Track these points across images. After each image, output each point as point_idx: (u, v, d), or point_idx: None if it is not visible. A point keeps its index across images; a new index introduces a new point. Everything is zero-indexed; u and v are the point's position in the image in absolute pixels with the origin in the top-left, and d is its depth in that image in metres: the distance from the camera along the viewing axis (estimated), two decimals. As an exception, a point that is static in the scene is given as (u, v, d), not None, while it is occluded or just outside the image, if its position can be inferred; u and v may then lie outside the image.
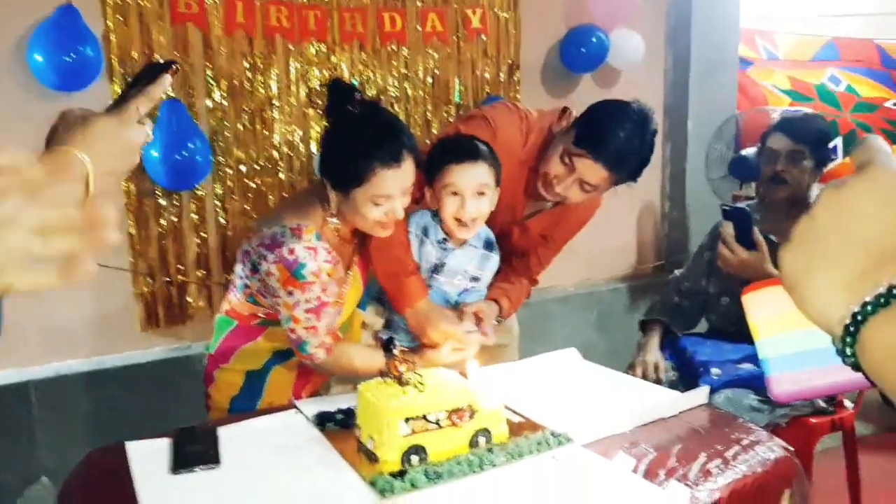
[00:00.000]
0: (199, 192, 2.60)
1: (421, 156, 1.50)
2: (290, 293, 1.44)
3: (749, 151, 3.04)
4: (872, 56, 4.14)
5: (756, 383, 1.93)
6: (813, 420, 2.04)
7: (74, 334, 2.48)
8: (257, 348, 1.58)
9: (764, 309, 0.69)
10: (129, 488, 1.10)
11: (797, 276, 0.43)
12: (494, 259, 1.72)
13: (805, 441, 2.00)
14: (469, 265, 1.68)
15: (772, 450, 1.20)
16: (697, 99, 3.44)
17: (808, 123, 2.12)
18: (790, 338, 0.63)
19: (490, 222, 1.70)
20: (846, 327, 0.40)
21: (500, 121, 1.68)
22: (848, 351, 0.40)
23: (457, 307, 1.68)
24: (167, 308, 2.63)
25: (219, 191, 2.64)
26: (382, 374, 1.26)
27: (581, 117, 1.62)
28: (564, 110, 1.67)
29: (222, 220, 2.66)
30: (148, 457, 1.21)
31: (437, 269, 1.67)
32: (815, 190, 2.11)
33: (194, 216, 2.61)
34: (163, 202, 2.55)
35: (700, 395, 1.43)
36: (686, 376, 2.02)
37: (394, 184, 1.42)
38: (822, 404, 2.05)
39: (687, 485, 1.08)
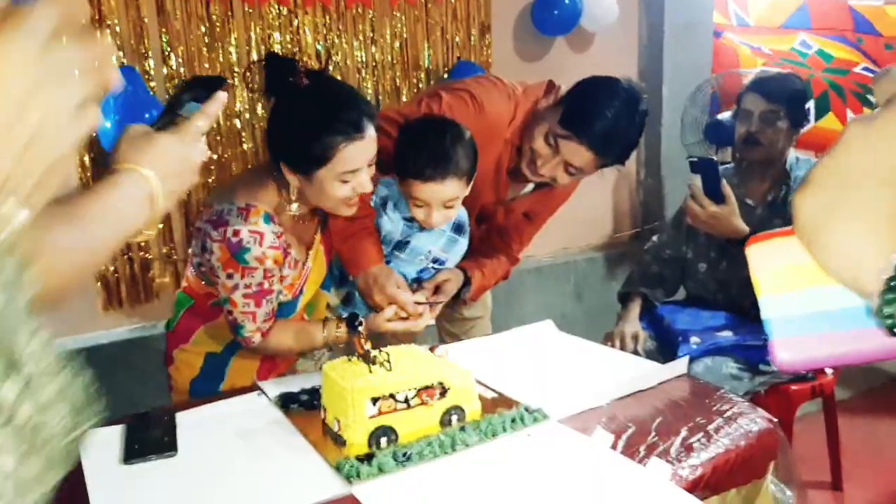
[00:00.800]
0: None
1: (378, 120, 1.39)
2: (230, 276, 1.35)
3: (724, 116, 3.00)
4: (845, 21, 4.09)
5: (735, 351, 1.90)
6: (793, 387, 2.02)
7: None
8: (216, 331, 1.50)
9: (770, 262, 0.62)
10: (79, 480, 1.03)
11: (818, 225, 0.37)
12: (462, 244, 1.62)
13: (785, 409, 1.98)
14: (434, 246, 1.58)
15: (755, 422, 1.16)
16: (672, 63, 3.38)
17: (783, 83, 2.07)
18: (800, 297, 0.56)
19: (471, 204, 1.61)
20: (888, 281, 0.33)
21: (486, 98, 1.57)
22: (887, 310, 0.34)
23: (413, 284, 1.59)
24: (130, 286, 2.53)
25: (179, 164, 2.52)
26: (347, 353, 1.19)
27: (567, 95, 1.52)
28: (551, 85, 1.59)
29: (184, 196, 2.55)
30: (99, 446, 1.13)
31: (399, 245, 1.58)
32: (792, 152, 2.07)
33: (155, 190, 2.50)
34: (120, 176, 2.44)
35: (680, 365, 1.39)
36: (664, 345, 1.99)
37: (360, 157, 1.32)
38: (802, 371, 2.03)
39: (668, 461, 1.03)
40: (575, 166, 1.51)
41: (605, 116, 1.44)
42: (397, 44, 2.85)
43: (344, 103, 1.32)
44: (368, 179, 1.36)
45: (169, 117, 0.86)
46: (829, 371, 2.11)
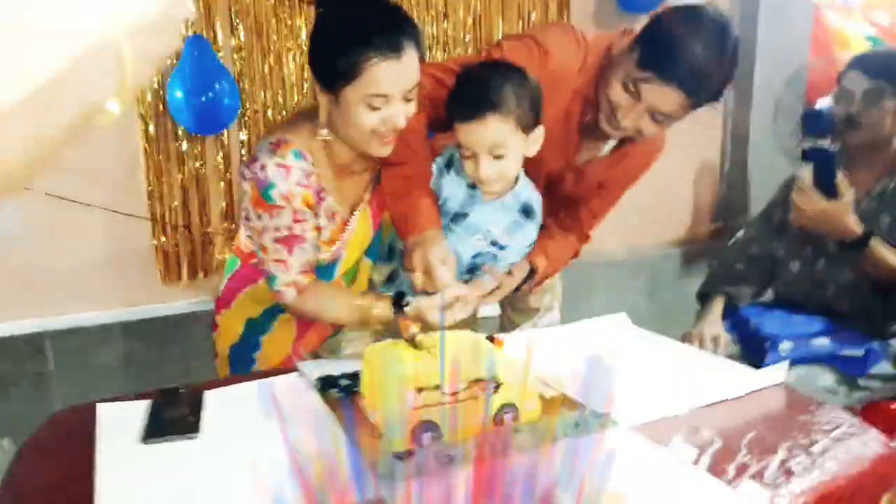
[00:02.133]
0: (223, 138, 2.45)
1: (423, 48, 1.26)
2: (259, 216, 1.26)
3: (824, 103, 2.73)
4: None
5: (833, 361, 1.69)
6: (894, 406, 1.78)
7: (93, 286, 2.38)
8: (256, 293, 1.41)
9: None
10: (89, 456, 0.95)
11: None
12: (529, 230, 1.44)
13: (884, 428, 1.75)
14: (495, 226, 1.40)
15: (867, 444, 0.97)
16: (766, 42, 3.10)
17: (889, 58, 1.82)
18: None
19: (536, 169, 1.44)
20: None
21: (552, 42, 1.39)
22: None
23: (471, 272, 1.43)
24: (190, 260, 2.50)
25: (243, 137, 2.47)
26: (392, 335, 1.07)
27: (643, 32, 1.32)
28: (625, 31, 1.40)
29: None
30: (120, 421, 1.04)
31: (455, 218, 1.41)
32: None
33: (219, 163, 2.46)
34: (185, 147, 2.40)
35: (777, 372, 1.20)
36: (749, 351, 1.78)
37: (392, 80, 1.19)
38: (907, 386, 1.79)
39: (764, 486, 0.86)
40: (662, 112, 1.31)
41: (690, 49, 1.22)
42: (470, 19, 2.73)
43: (383, 17, 1.20)
44: (402, 114, 1.23)
45: None
46: (938, 390, 1.85)
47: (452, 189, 1.41)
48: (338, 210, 1.35)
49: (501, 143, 1.29)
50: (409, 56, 1.20)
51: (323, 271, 1.38)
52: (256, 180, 1.24)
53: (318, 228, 1.32)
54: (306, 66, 2.48)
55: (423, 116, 1.39)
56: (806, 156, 1.68)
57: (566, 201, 1.60)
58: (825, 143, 2.62)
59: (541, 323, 1.73)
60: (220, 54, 2.36)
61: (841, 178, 1.64)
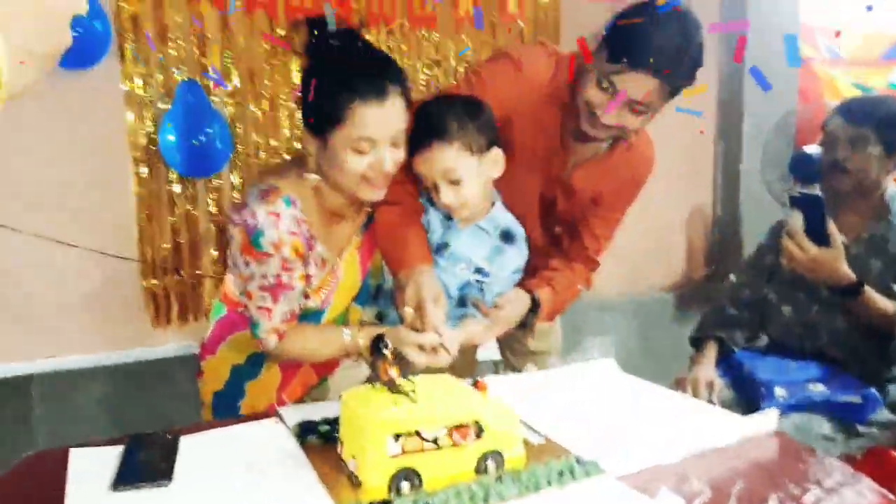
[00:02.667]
0: (216, 182, 2.45)
1: (409, 93, 1.27)
2: (247, 263, 1.24)
3: (812, 148, 2.75)
4: (949, 56, 3.76)
5: (830, 408, 1.65)
6: (895, 452, 1.74)
7: (82, 328, 2.36)
8: (242, 340, 1.39)
9: None
10: (59, 503, 0.91)
11: None
12: (510, 255, 1.43)
13: (885, 477, 1.70)
14: (476, 253, 1.41)
15: (863, 494, 0.94)
16: (754, 94, 3.15)
17: (874, 105, 1.83)
18: None
19: (528, 189, 1.46)
20: None
21: (523, 54, 1.44)
22: None
23: (462, 304, 1.42)
24: (181, 303, 2.48)
25: (236, 180, 2.48)
26: (369, 379, 1.04)
27: (607, 31, 1.34)
28: (595, 37, 1.41)
29: (239, 212, 2.49)
30: (91, 467, 1.01)
31: (438, 249, 1.42)
32: (892, 185, 1.82)
33: (211, 206, 2.46)
34: (177, 190, 2.41)
35: (768, 419, 1.17)
36: (743, 397, 1.75)
37: (377, 125, 1.20)
38: (907, 433, 1.76)
39: (754, 538, 0.83)
40: (640, 102, 1.32)
41: (654, 34, 1.26)
42: (462, 67, 2.77)
43: (369, 63, 1.22)
44: (392, 160, 1.24)
45: None
46: (938, 437, 1.81)
47: (432, 219, 1.43)
48: (327, 257, 1.34)
49: (452, 168, 1.32)
50: (395, 101, 1.21)
51: (311, 318, 1.37)
52: (246, 227, 1.22)
53: (307, 277, 1.31)
54: (299, 112, 2.51)
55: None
56: (795, 202, 1.67)
57: (568, 229, 1.59)
58: (814, 189, 2.64)
59: (532, 368, 1.69)
60: (215, 99, 2.39)
61: (831, 226, 1.63)
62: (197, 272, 2.48)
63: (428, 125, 1.32)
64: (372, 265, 1.46)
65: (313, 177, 1.30)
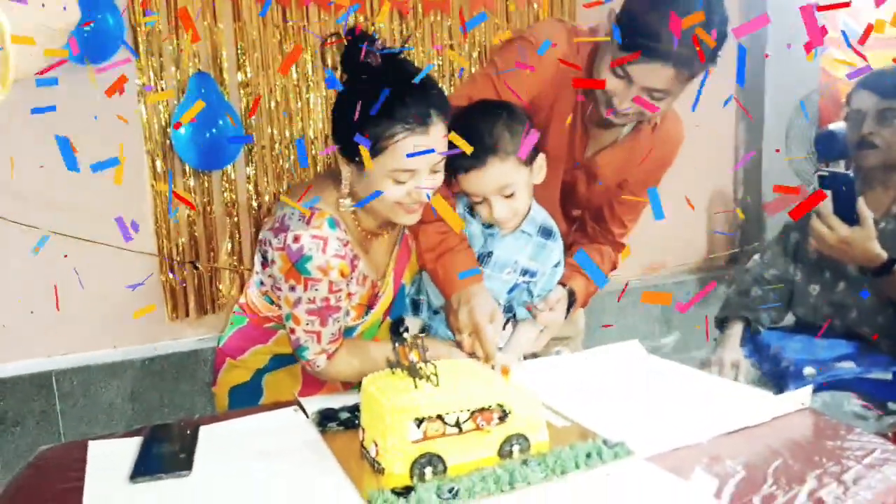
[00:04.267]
0: (230, 174, 2.45)
1: (450, 117, 1.21)
2: (293, 288, 1.19)
3: (838, 125, 2.68)
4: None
5: (860, 385, 1.61)
6: (930, 431, 1.70)
7: (100, 324, 2.37)
8: (264, 352, 1.37)
9: None
10: (77, 496, 0.90)
11: None
12: (553, 249, 1.39)
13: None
14: (520, 255, 1.37)
15: (905, 471, 0.90)
16: (775, 74, 3.09)
17: None
18: None
19: (550, 173, 1.40)
20: None
21: (542, 35, 1.35)
22: None
23: (509, 311, 1.40)
24: (197, 297, 2.48)
25: (251, 172, 2.47)
26: (391, 364, 1.01)
27: (621, 14, 1.27)
28: (609, 15, 1.33)
29: (255, 204, 2.49)
30: (109, 459, 0.99)
31: (482, 258, 1.38)
32: None
33: (226, 199, 2.46)
34: (192, 183, 2.40)
35: (801, 395, 1.13)
36: (771, 377, 1.71)
37: (419, 156, 1.15)
38: (943, 412, 1.71)
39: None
40: (658, 89, 1.26)
41: (669, 20, 1.13)
42: (476, 52, 2.74)
43: (413, 90, 1.15)
44: (428, 185, 1.19)
45: None
46: (976, 416, 1.76)
47: (473, 231, 1.38)
48: (368, 274, 1.30)
49: (508, 183, 1.28)
50: (437, 128, 1.16)
51: (344, 333, 1.34)
52: (289, 252, 1.17)
53: (350, 295, 1.28)
54: (312, 101, 2.49)
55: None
56: (823, 182, 1.61)
57: (588, 210, 1.56)
58: (841, 167, 2.57)
59: (565, 352, 1.66)
60: (226, 90, 2.38)
61: (861, 204, 1.58)
62: (213, 265, 2.48)
63: (478, 141, 1.24)
64: (405, 279, 1.42)
65: (347, 202, 1.25)
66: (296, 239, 1.17)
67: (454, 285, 1.32)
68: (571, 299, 1.45)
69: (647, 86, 1.26)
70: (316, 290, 1.19)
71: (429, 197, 1.19)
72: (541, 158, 1.33)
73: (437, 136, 1.17)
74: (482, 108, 1.32)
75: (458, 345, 1.32)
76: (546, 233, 1.39)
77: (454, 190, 1.36)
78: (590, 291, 1.51)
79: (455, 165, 1.27)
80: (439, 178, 1.22)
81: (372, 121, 1.13)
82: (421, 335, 1.02)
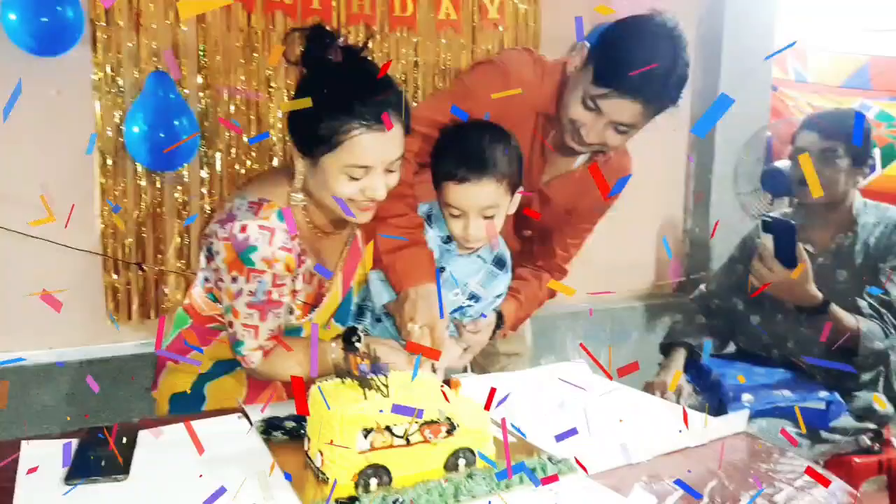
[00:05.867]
0: (183, 176, 2.40)
1: (409, 119, 1.23)
2: (235, 279, 1.18)
3: (783, 163, 2.80)
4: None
5: (795, 414, 1.67)
6: (857, 459, 1.77)
7: (38, 324, 2.27)
8: (207, 355, 1.33)
9: None
10: (7, 497, 0.87)
11: None
12: (502, 280, 1.43)
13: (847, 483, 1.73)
14: (472, 279, 1.39)
15: (834, 495, 0.94)
16: (727, 111, 3.21)
17: (841, 118, 1.87)
18: None
19: None
20: None
21: (511, 62, 1.41)
22: None
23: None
24: (142, 300, 2.42)
25: (205, 175, 2.43)
26: (340, 373, 1.01)
27: (594, 48, 1.33)
28: (578, 47, 1.39)
29: (207, 208, 2.44)
30: (44, 460, 0.96)
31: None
32: (858, 196, 1.86)
33: (178, 201, 2.41)
34: (143, 183, 2.35)
35: (738, 420, 1.17)
36: (711, 402, 1.76)
37: (374, 152, 1.15)
38: (868, 442, 1.78)
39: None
40: (625, 123, 1.32)
41: (641, 60, 1.22)
42: (441, 68, 2.76)
43: (371, 87, 1.15)
44: (383, 186, 1.19)
45: None
46: (899, 444, 1.85)
47: (431, 243, 1.39)
48: (315, 273, 1.30)
49: (494, 205, 1.30)
50: (395, 129, 1.17)
51: (289, 335, 1.32)
52: (234, 241, 1.16)
53: (295, 292, 1.26)
54: (271, 107, 2.47)
55: (410, 169, 1.38)
56: (766, 227, 1.69)
57: (539, 234, 1.59)
58: (784, 203, 2.68)
59: (508, 369, 1.68)
60: (186, 91, 2.34)
61: (801, 249, 1.66)
62: (160, 267, 2.42)
63: (480, 158, 1.27)
64: (355, 281, 1.41)
65: (299, 196, 1.25)
66: (242, 229, 1.16)
67: (412, 280, 1.32)
68: (500, 322, 1.47)
69: (615, 119, 1.31)
70: (259, 281, 1.18)
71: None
72: (519, 191, 1.36)
73: (394, 135, 1.17)
74: (490, 128, 1.34)
75: (402, 340, 1.30)
76: (499, 263, 1.41)
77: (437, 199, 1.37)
78: (519, 317, 1.54)
79: (448, 173, 1.29)
80: (394, 178, 1.22)
81: (329, 115, 1.13)
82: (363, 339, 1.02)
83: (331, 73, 1.16)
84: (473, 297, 1.40)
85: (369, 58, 1.23)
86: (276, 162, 2.51)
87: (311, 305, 1.31)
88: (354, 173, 1.17)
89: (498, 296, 1.46)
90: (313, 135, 1.16)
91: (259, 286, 1.18)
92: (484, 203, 1.30)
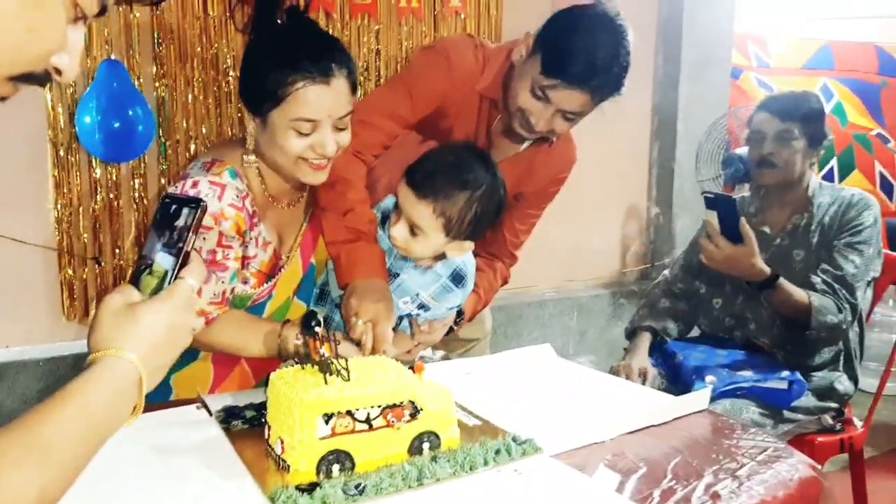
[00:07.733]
0: (140, 168, 2.34)
1: (357, 78, 1.24)
2: None
3: (743, 150, 2.84)
4: (870, 62, 3.96)
5: (758, 393, 1.69)
6: (820, 439, 1.80)
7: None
8: None
9: None
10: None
11: None
12: (457, 296, 1.38)
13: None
14: (424, 291, 1.35)
15: (795, 467, 0.95)
16: (688, 98, 3.25)
17: (796, 100, 1.90)
18: None
19: None
20: None
21: (451, 49, 1.44)
22: None
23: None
24: (98, 295, 2.35)
25: (164, 167, 2.37)
26: (300, 359, 0.99)
27: (541, 40, 1.36)
28: (526, 36, 1.42)
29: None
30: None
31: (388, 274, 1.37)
32: (814, 178, 1.89)
33: (135, 193, 2.34)
34: (98, 175, 2.28)
35: (700, 398, 1.18)
36: (676, 384, 1.78)
37: (320, 105, 1.17)
38: (830, 421, 1.82)
39: (690, 510, 0.82)
40: (572, 112, 1.37)
41: (588, 52, 1.29)
42: (403, 56, 2.74)
43: (315, 42, 1.19)
44: (332, 142, 1.20)
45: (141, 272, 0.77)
46: (859, 424, 1.89)
47: (384, 247, 1.36)
48: (271, 241, 1.28)
49: (424, 227, 1.27)
50: (340, 83, 1.18)
51: (251, 312, 1.30)
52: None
53: (246, 260, 1.24)
54: (232, 97, 2.42)
55: (362, 166, 1.39)
56: (710, 203, 1.72)
57: None
58: (743, 189, 2.72)
59: (470, 356, 1.68)
60: (140, 80, 2.28)
61: (744, 224, 1.68)
62: (118, 262, 2.36)
63: (447, 176, 1.25)
64: (316, 259, 1.39)
65: (252, 157, 1.26)
66: (194, 185, 1.17)
67: (360, 272, 1.29)
68: (459, 318, 1.46)
69: (563, 108, 1.35)
70: (204, 239, 1.17)
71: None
72: (467, 245, 1.32)
73: (339, 90, 1.19)
74: (483, 161, 1.30)
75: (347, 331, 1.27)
76: (457, 278, 1.37)
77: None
78: (477, 309, 1.55)
79: (411, 178, 1.27)
80: (345, 136, 1.23)
81: (273, 71, 1.16)
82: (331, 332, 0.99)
83: (276, 33, 1.20)
84: (423, 307, 1.38)
85: (312, 19, 1.26)
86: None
87: (267, 275, 1.30)
88: (302, 128, 1.18)
89: (452, 308, 1.42)
90: (260, 91, 1.18)
91: (204, 244, 1.17)
92: (416, 220, 1.27)
